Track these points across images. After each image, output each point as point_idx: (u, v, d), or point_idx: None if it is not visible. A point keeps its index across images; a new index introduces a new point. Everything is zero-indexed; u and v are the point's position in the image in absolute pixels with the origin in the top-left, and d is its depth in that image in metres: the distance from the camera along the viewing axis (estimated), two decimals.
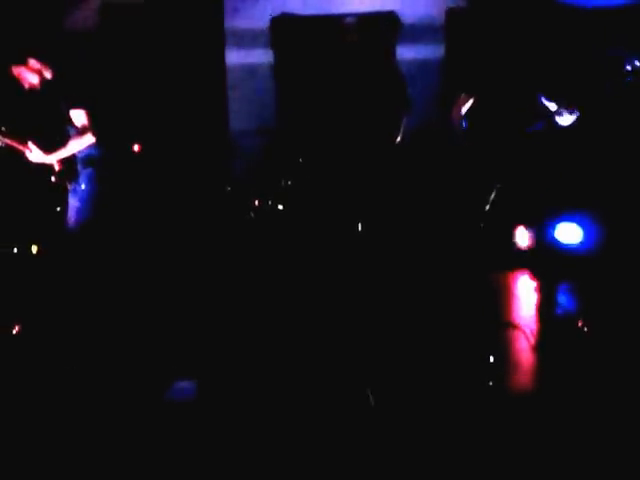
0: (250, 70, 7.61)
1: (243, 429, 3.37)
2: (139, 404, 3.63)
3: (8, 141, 4.82)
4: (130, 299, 4.91)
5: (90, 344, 4.29)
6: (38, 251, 5.70)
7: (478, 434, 3.29)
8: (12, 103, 5.31)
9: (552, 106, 5.10)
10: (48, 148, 4.83)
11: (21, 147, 4.83)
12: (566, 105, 5.01)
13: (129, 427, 3.41)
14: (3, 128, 4.89)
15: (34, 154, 4.81)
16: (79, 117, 4.72)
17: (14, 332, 4.50)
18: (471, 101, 5.80)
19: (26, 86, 4.77)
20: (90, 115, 4.74)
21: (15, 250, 5.74)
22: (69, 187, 4.97)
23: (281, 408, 3.56)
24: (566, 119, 5.04)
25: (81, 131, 4.75)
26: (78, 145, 4.81)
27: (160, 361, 4.10)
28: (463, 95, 5.87)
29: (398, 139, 6.75)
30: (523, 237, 5.63)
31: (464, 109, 5.96)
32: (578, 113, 4.99)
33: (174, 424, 3.42)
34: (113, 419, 3.47)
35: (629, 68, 5.53)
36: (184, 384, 3.81)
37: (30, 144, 4.80)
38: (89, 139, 4.77)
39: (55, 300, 4.87)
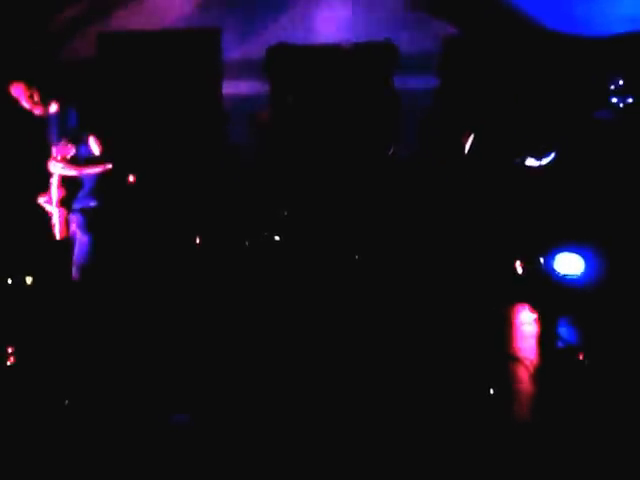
0: (246, 100, 7.63)
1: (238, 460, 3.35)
2: (135, 432, 3.61)
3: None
4: (126, 333, 4.88)
5: (86, 376, 4.26)
6: (32, 283, 5.68)
7: (477, 463, 3.29)
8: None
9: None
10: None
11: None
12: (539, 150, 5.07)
13: (126, 454, 3.39)
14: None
15: (57, 165, 4.76)
16: (96, 144, 4.75)
17: (8, 363, 4.46)
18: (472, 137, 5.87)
19: (27, 106, 4.74)
20: (105, 142, 4.77)
21: (10, 281, 5.72)
22: (80, 221, 4.94)
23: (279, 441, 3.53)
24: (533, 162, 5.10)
25: (99, 159, 4.78)
26: (98, 168, 4.82)
27: (156, 394, 4.06)
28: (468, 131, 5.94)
29: (390, 151, 6.78)
30: (523, 268, 5.60)
31: (468, 143, 6.02)
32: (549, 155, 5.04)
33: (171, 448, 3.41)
34: (108, 452, 3.43)
35: (612, 87, 5.57)
36: (179, 417, 3.77)
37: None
38: (106, 165, 4.82)
39: (53, 332, 4.83)
